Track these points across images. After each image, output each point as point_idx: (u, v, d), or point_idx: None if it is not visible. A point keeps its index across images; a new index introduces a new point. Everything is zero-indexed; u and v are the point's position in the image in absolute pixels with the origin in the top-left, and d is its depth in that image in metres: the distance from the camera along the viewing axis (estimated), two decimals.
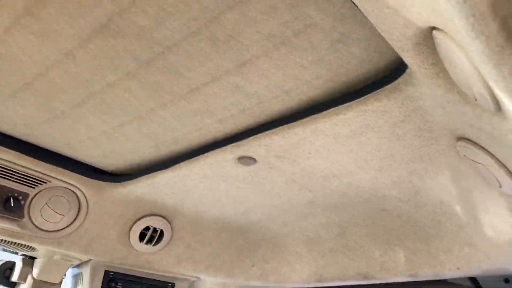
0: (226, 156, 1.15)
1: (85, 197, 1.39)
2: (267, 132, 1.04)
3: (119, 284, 1.59)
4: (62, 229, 1.39)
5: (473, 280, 1.32)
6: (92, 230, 1.44)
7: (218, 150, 1.14)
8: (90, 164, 1.39)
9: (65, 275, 1.78)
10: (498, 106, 0.60)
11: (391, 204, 1.28)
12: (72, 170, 1.34)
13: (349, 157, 1.10)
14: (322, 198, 1.34)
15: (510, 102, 0.56)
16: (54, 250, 1.42)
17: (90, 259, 1.54)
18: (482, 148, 0.81)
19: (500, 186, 0.87)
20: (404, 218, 1.32)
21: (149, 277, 1.63)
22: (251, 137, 1.07)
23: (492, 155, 0.80)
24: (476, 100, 0.67)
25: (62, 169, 1.32)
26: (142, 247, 1.53)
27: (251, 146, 1.10)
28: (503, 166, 0.80)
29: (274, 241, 1.63)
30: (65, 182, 1.36)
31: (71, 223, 1.40)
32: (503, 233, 1.02)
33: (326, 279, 1.55)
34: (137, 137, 1.18)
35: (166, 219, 1.54)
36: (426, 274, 1.33)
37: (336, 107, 0.92)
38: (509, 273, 1.21)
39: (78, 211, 1.41)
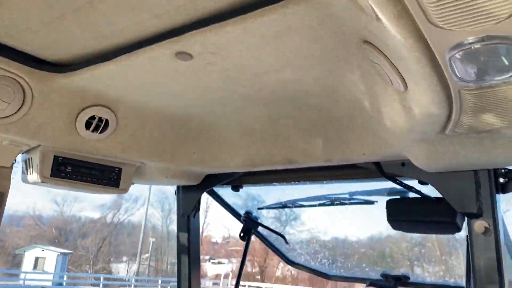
0: (164, 51, 1.24)
1: (29, 86, 1.45)
2: (201, 29, 1.13)
3: (69, 168, 1.73)
4: (9, 116, 1.46)
5: (376, 164, 1.58)
6: (38, 118, 1.52)
7: (156, 45, 1.22)
8: (32, 54, 1.42)
9: (15, 161, 1.89)
10: (376, 14, 0.74)
11: (312, 99, 1.46)
12: (14, 60, 1.38)
13: (276, 56, 1.23)
14: (254, 93, 1.49)
15: (380, 11, 0.70)
16: (1, 135, 1.51)
17: (39, 145, 1.64)
18: (379, 50, 0.97)
19: (392, 84, 1.05)
20: (323, 112, 1.51)
21: (97, 162, 1.78)
22: (187, 33, 1.15)
23: (385, 57, 0.96)
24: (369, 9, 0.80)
25: (3, 58, 1.36)
26: (89, 134, 1.65)
27: (187, 42, 1.19)
28: (394, 66, 0.97)
29: (213, 132, 1.80)
30: (8, 71, 1.41)
31: (17, 111, 1.48)
32: (398, 124, 1.23)
33: (257, 164, 1.78)
34: (77, 29, 1.23)
35: (111, 109, 1.65)
36: (338, 159, 1.58)
37: (261, 9, 1.02)
38: (404, 158, 1.47)
39: (23, 100, 1.48)
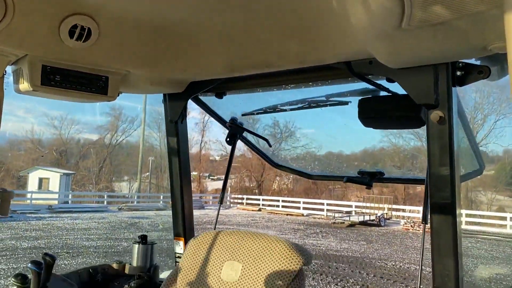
0: None
1: None
2: None
3: (57, 77, 1.82)
4: None
5: (347, 63, 1.68)
6: (23, 27, 1.58)
7: None
8: None
9: (5, 72, 1.97)
10: None
11: (285, 3, 1.51)
12: None
13: None
14: None
15: None
16: None
17: (26, 55, 1.71)
18: None
19: None
20: (296, 15, 1.56)
21: (84, 71, 1.86)
22: None
23: None
24: None
25: None
26: (73, 43, 1.71)
27: None
28: None
29: (193, 39, 1.86)
30: None
31: (0, 20, 1.53)
32: (361, 21, 1.30)
33: (237, 69, 1.87)
34: None
35: (92, 18, 1.69)
36: (312, 60, 1.67)
37: None
38: (371, 56, 1.56)
39: (6, 9, 1.52)
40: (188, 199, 2.33)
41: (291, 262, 1.51)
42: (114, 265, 2.32)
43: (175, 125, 2.27)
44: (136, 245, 2.33)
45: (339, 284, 9.98)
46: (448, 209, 1.50)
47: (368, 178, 2.31)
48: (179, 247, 2.29)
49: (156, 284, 2.22)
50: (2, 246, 12.74)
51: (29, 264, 1.80)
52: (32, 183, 31.46)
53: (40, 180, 31.25)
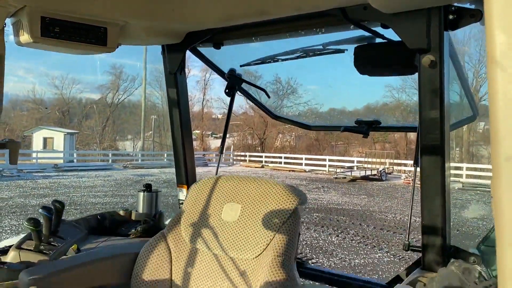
0: None
1: None
2: None
3: (57, 28, 1.84)
4: None
5: (342, 10, 1.69)
6: None
7: None
8: None
9: (5, 25, 1.99)
10: None
11: None
12: None
13: None
14: None
15: None
16: None
17: (25, 6, 1.73)
18: None
19: None
20: None
21: (83, 23, 1.88)
22: None
23: None
24: None
25: None
26: None
27: None
28: None
29: None
30: None
31: None
32: None
33: (233, 18, 1.88)
34: None
35: None
36: (307, 7, 1.68)
37: None
38: (366, 1, 1.57)
39: None
40: (189, 148, 2.40)
41: (286, 202, 1.60)
42: (121, 212, 2.43)
43: (174, 76, 2.31)
44: (141, 193, 2.43)
45: (339, 235, 10.28)
46: (438, 151, 1.57)
47: (365, 127, 2.36)
48: (182, 194, 2.39)
49: (161, 229, 2.34)
50: (12, 203, 13.09)
51: (40, 210, 1.90)
52: (37, 142, 31.79)
53: (45, 139, 31.56)
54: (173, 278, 1.67)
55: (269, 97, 2.59)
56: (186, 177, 2.38)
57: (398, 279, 1.71)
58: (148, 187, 2.45)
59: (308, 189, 19.48)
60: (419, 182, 1.64)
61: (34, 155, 26.96)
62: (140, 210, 2.41)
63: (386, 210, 14.26)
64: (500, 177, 0.42)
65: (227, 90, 2.47)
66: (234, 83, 2.45)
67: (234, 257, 1.59)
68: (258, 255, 1.54)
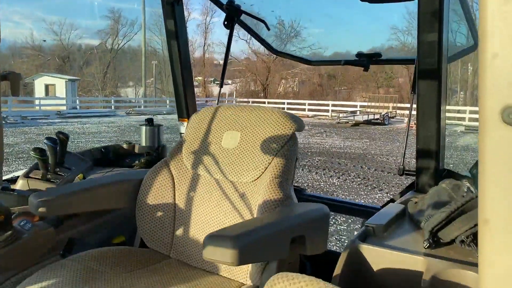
0: None
1: None
2: None
3: None
4: None
5: None
6: None
7: None
8: None
9: None
10: None
11: None
12: None
13: None
14: None
15: None
16: None
17: None
18: None
19: None
20: None
21: None
22: None
23: None
24: None
25: None
26: None
27: None
28: None
29: None
30: None
31: None
32: None
33: None
34: None
35: None
36: None
37: None
38: None
39: None
40: (189, 82, 2.41)
41: (284, 128, 1.63)
42: (124, 146, 2.49)
43: (172, 7, 2.27)
44: (144, 127, 2.47)
45: (340, 177, 10.48)
46: (435, 76, 1.57)
47: (366, 60, 2.35)
48: (184, 128, 2.43)
49: None
50: (18, 149, 13.28)
51: (45, 140, 1.95)
52: (39, 89, 31.67)
53: (46, 86, 31.40)
54: (176, 202, 1.74)
55: (268, 29, 2.55)
56: (187, 111, 2.40)
57: (392, 202, 1.78)
58: (150, 121, 2.48)
59: (310, 134, 19.59)
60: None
61: (37, 102, 26.96)
62: (143, 143, 2.47)
63: (387, 153, 14.42)
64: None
65: (225, 22, 2.43)
66: (233, 14, 2.41)
67: (234, 181, 1.65)
68: (257, 178, 1.60)
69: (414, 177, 1.72)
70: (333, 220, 6.19)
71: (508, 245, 0.69)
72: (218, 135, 1.77)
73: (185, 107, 2.40)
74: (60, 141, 2.04)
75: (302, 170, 10.72)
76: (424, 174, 1.65)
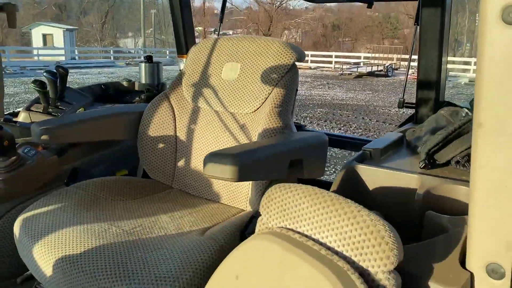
0: None
1: None
2: None
3: None
4: None
5: None
6: None
7: None
8: None
9: None
10: None
11: None
12: None
13: None
14: None
15: None
16: None
17: None
18: None
19: None
20: None
21: None
22: None
23: None
24: None
25: None
26: None
27: None
28: None
29: None
30: None
31: None
32: None
33: None
34: None
35: None
36: None
37: None
38: None
39: None
40: (188, 17, 2.36)
41: (285, 58, 1.61)
42: (124, 83, 2.48)
43: None
44: (143, 64, 2.45)
45: (342, 128, 10.50)
46: (437, 4, 1.53)
47: None
48: (183, 64, 2.41)
49: None
50: (19, 99, 13.24)
51: (44, 73, 1.94)
52: (36, 39, 31.07)
53: (44, 36, 30.78)
54: (177, 134, 1.76)
55: None
56: (186, 47, 2.37)
57: None
58: (149, 59, 2.46)
59: (312, 86, 19.40)
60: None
61: (35, 52, 26.55)
62: (143, 81, 2.45)
63: (389, 105, 14.35)
64: None
65: None
66: None
67: (234, 112, 1.66)
68: (257, 108, 1.60)
69: (414, 110, 1.72)
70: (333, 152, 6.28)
71: (499, 146, 0.71)
72: (218, 66, 1.75)
73: (185, 43, 2.36)
74: (59, 75, 2.03)
75: (304, 121, 10.73)
76: (423, 106, 1.65)
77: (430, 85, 1.61)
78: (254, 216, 1.34)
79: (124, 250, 1.20)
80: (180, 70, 2.47)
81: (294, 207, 0.87)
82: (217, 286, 0.92)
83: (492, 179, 0.72)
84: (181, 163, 1.75)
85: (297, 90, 1.64)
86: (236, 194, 1.62)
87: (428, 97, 1.62)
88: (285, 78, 1.59)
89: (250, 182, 1.57)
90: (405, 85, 1.77)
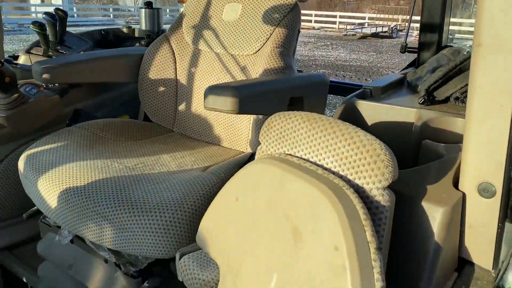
0: None
1: None
2: None
3: None
4: None
5: None
6: None
7: None
8: None
9: None
10: None
11: None
12: None
13: None
14: None
15: None
16: None
17: None
18: None
19: None
20: None
21: None
22: None
23: None
24: None
25: None
26: None
27: None
28: None
29: None
30: None
31: None
32: None
33: None
34: None
35: None
36: None
37: None
38: None
39: None
40: None
41: None
42: (124, 30, 2.45)
43: None
44: (143, 10, 2.41)
45: None
46: None
47: None
48: (183, 8, 2.36)
49: None
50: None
51: (43, 15, 1.91)
52: None
53: None
54: (178, 77, 1.76)
55: None
56: None
57: None
58: (149, 5, 2.41)
59: (316, 46, 19.10)
60: None
61: (32, 8, 25.96)
62: (143, 27, 2.42)
63: (393, 66, 14.18)
64: None
65: None
66: None
67: (235, 54, 1.65)
68: (258, 50, 1.59)
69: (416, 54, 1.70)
70: None
71: (497, 66, 0.71)
72: (219, 8, 1.73)
73: None
74: (59, 17, 2.00)
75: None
76: (426, 50, 1.63)
77: (433, 28, 1.58)
78: (254, 154, 1.36)
79: (127, 182, 1.23)
80: (180, 12, 2.44)
81: (293, 132, 0.89)
82: (218, 209, 0.96)
83: (488, 99, 0.73)
84: (182, 106, 1.76)
85: (299, 31, 1.62)
86: (236, 137, 1.63)
87: (430, 41, 1.60)
88: (287, 18, 1.57)
89: (251, 124, 1.59)
90: (408, 30, 1.75)
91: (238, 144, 1.63)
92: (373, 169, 0.74)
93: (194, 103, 1.73)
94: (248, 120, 1.58)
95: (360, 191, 0.76)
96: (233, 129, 1.63)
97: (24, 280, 1.64)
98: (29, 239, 1.68)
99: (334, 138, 0.81)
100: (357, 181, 0.76)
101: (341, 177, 0.79)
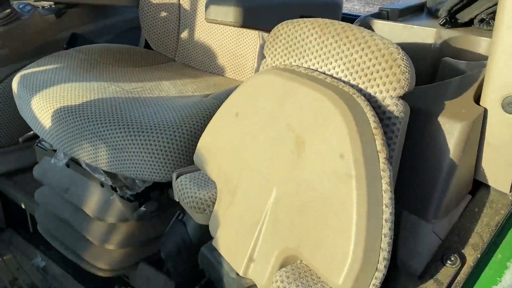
0: None
1: None
2: None
3: None
4: None
5: None
6: None
7: None
8: None
9: None
10: None
11: None
12: None
13: None
14: None
15: None
16: None
17: None
18: None
19: None
20: None
21: None
22: None
23: None
24: None
25: None
26: None
27: None
28: None
29: None
30: None
31: None
32: None
33: None
34: None
35: None
36: None
37: None
38: None
39: None
40: None
41: None
42: None
43: None
44: None
45: None
46: None
47: None
48: None
49: None
50: None
51: None
52: None
53: None
54: (180, 2, 1.65)
55: None
56: None
57: None
58: None
59: None
60: None
61: None
62: None
63: None
64: None
65: None
66: None
67: None
68: None
69: None
70: None
71: None
72: None
73: None
74: None
75: None
76: None
77: None
78: None
79: (124, 103, 1.16)
80: None
81: (302, 41, 0.80)
82: (217, 126, 0.89)
83: None
84: (184, 34, 1.66)
85: None
86: (241, 67, 1.55)
87: None
88: None
89: (256, 53, 1.50)
90: None
91: (243, 74, 1.55)
92: (387, 75, 0.66)
93: (197, 31, 1.63)
94: (253, 48, 1.49)
95: (372, 101, 0.69)
96: (238, 58, 1.54)
97: (23, 206, 1.63)
98: (28, 166, 1.65)
99: (346, 43, 0.72)
100: (369, 90, 0.69)
101: (352, 86, 0.71)
